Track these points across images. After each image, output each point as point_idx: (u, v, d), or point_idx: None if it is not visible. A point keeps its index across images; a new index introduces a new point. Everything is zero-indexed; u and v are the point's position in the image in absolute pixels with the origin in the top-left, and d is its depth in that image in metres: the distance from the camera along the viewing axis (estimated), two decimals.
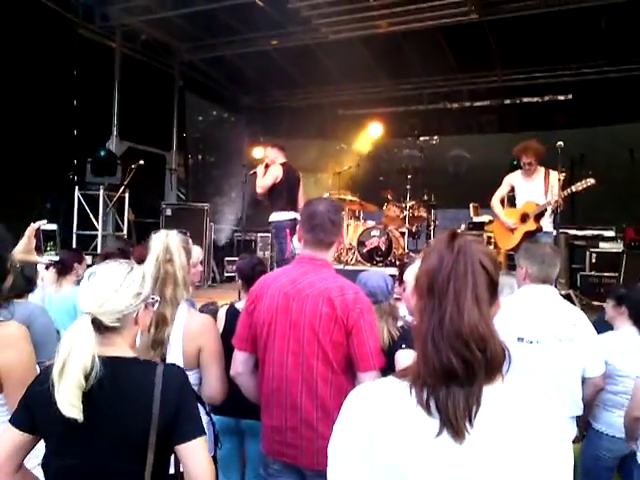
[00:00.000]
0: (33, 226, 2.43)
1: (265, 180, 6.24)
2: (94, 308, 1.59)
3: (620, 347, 3.16)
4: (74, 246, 7.55)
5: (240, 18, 8.54)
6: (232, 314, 3.00)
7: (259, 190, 6.30)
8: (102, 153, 7.97)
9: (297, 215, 6.22)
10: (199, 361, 2.33)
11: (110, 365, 1.55)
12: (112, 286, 1.62)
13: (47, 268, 4.03)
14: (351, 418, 1.16)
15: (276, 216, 6.34)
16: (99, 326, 1.59)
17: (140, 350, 1.97)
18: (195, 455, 1.58)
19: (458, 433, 1.02)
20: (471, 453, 1.03)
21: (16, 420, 1.60)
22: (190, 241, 2.52)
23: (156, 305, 1.84)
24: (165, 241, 2.35)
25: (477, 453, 1.03)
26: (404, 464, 1.06)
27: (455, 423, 1.02)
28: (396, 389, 1.11)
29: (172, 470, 1.70)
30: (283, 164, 6.34)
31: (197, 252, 2.53)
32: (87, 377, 1.50)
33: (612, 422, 3.16)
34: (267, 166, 6.35)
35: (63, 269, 4.18)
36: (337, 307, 2.18)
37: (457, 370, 1.03)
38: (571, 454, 1.09)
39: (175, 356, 2.25)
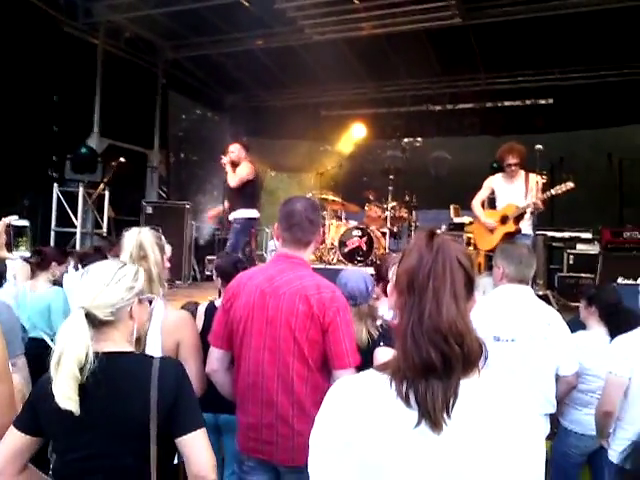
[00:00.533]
0: (3, 221, 2.41)
1: (246, 175, 6.32)
2: (87, 302, 1.61)
3: (589, 346, 3.23)
4: (52, 244, 7.47)
5: (225, 17, 8.51)
6: (211, 311, 3.00)
7: (235, 183, 6.32)
8: (83, 150, 7.89)
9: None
10: (177, 356, 2.33)
11: (107, 360, 1.56)
12: (104, 280, 1.65)
13: (26, 261, 3.99)
14: (331, 410, 1.19)
15: (244, 213, 6.44)
16: (94, 321, 1.61)
17: None
18: (196, 447, 1.59)
19: (436, 424, 1.05)
20: (448, 443, 1.07)
21: (20, 423, 1.61)
22: (163, 238, 2.50)
23: (153, 302, 1.86)
24: (138, 238, 2.34)
25: (454, 443, 1.07)
26: (383, 454, 1.09)
27: (433, 415, 1.05)
28: (376, 382, 1.14)
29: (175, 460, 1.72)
30: (252, 162, 6.50)
31: (167, 250, 2.51)
32: (82, 369, 1.51)
33: (580, 420, 3.24)
34: (233, 163, 6.41)
35: (41, 264, 4.13)
36: (314, 305, 2.20)
37: (436, 364, 1.07)
38: (542, 446, 1.13)
39: (154, 351, 2.24)
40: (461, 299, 1.12)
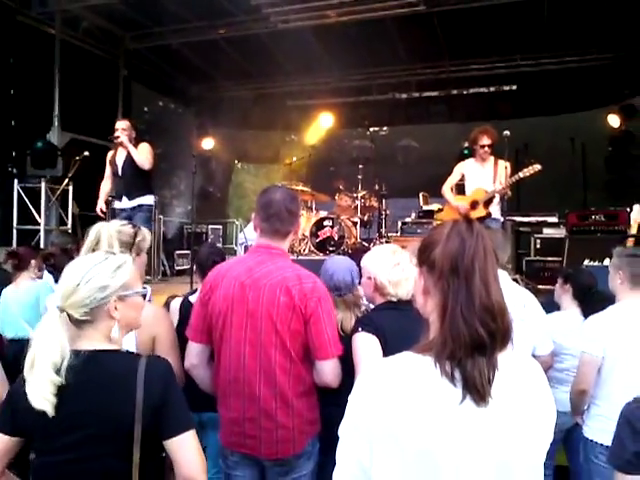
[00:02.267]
0: None
1: (151, 155, 5.93)
2: (61, 302, 1.56)
3: (564, 326, 3.32)
4: (14, 242, 7.25)
5: (187, 6, 8.34)
6: (187, 307, 2.94)
7: (149, 164, 5.90)
8: (39, 144, 7.63)
9: None
10: (152, 352, 2.27)
11: (90, 358, 1.51)
12: (75, 279, 1.58)
13: (5, 262, 3.88)
14: (369, 394, 1.19)
15: (149, 199, 6.06)
16: (72, 319, 1.57)
17: None
18: (185, 450, 1.54)
19: (483, 398, 1.12)
20: (492, 415, 1.14)
21: None
22: (141, 234, 2.40)
23: (147, 297, 1.79)
24: (97, 231, 2.25)
25: (497, 414, 1.15)
26: (430, 436, 1.12)
27: (482, 389, 1.12)
28: (416, 364, 1.18)
29: None
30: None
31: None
32: (58, 370, 1.47)
33: (556, 397, 3.28)
34: (121, 144, 5.86)
35: (20, 265, 4.01)
36: (295, 296, 2.18)
37: (485, 341, 1.14)
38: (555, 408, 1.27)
39: (127, 347, 2.18)
40: (498, 280, 1.21)
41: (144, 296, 1.76)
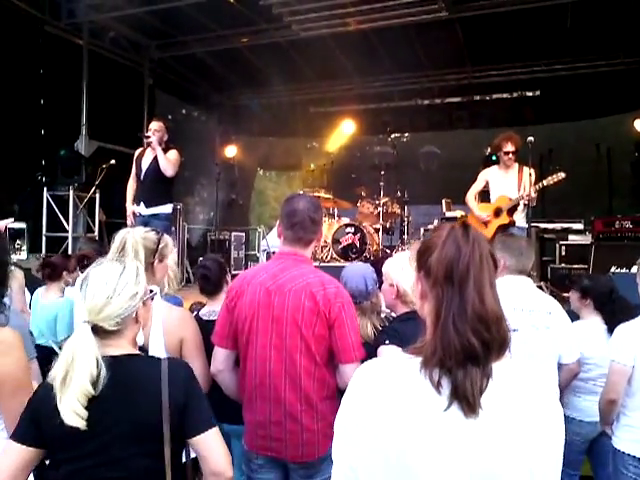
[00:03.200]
0: (0, 224, 2.35)
1: (178, 163, 5.75)
2: (92, 316, 1.57)
3: (586, 335, 3.26)
4: (43, 249, 7.38)
5: (211, 15, 8.46)
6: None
7: (173, 171, 5.69)
8: (62, 153, 7.73)
9: None
10: (181, 355, 2.31)
11: (115, 364, 1.53)
12: (106, 292, 1.59)
13: (38, 271, 3.93)
14: (357, 394, 1.20)
15: (165, 208, 5.81)
16: (100, 331, 1.57)
17: None
18: (211, 446, 1.59)
19: (473, 410, 1.08)
20: (481, 427, 1.09)
21: (21, 435, 1.55)
22: (164, 241, 2.44)
23: (155, 297, 1.82)
24: (123, 238, 2.30)
25: (487, 426, 1.10)
26: (411, 439, 1.10)
27: (472, 400, 1.08)
28: (404, 367, 1.16)
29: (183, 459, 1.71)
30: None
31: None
32: (95, 383, 1.49)
33: (580, 407, 3.27)
34: (150, 144, 5.65)
35: (52, 274, 4.09)
36: (319, 301, 2.20)
37: (478, 351, 1.10)
38: (563, 425, 1.17)
39: (157, 351, 2.22)
40: (495, 287, 1.18)
41: (152, 298, 1.79)
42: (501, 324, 1.14)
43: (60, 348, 3.57)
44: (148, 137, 5.70)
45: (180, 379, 1.61)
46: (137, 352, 1.68)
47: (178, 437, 1.58)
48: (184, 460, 1.69)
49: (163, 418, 1.53)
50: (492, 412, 1.10)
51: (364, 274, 2.87)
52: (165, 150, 5.71)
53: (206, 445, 1.58)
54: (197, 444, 1.59)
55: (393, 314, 2.82)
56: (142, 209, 5.77)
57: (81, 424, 1.46)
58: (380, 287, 2.78)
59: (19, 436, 1.55)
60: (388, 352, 2.30)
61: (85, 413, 1.47)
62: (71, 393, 1.46)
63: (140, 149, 6.00)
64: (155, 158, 5.71)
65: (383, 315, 2.84)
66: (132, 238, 2.31)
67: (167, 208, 5.87)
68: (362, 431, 1.15)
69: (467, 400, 1.08)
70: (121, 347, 1.62)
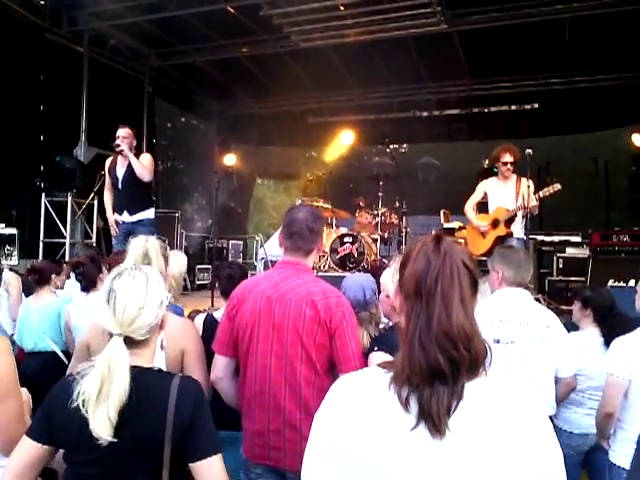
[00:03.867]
0: None
1: (152, 166, 5.68)
2: (124, 328, 1.56)
3: (580, 347, 3.25)
4: (41, 255, 7.36)
5: (211, 25, 8.52)
6: (211, 323, 2.95)
7: (150, 176, 5.62)
8: (61, 159, 7.71)
9: None
10: (182, 365, 2.30)
11: (133, 375, 1.53)
12: (137, 303, 1.59)
13: (28, 274, 3.92)
14: (328, 409, 1.18)
15: (148, 213, 5.74)
16: (129, 342, 1.57)
17: None
18: (211, 473, 1.53)
19: (439, 430, 1.03)
20: (450, 448, 1.04)
21: (34, 433, 1.57)
22: (168, 248, 2.49)
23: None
24: (145, 246, 2.32)
25: (456, 448, 1.04)
26: (378, 456, 1.07)
27: (437, 420, 1.03)
28: (376, 382, 1.13)
29: None
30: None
31: (180, 262, 2.47)
32: (130, 396, 1.49)
33: (570, 419, 3.27)
34: (122, 152, 5.56)
35: (40, 279, 4.07)
36: (320, 310, 2.21)
37: (444, 370, 1.05)
38: (557, 445, 1.10)
39: (158, 361, 2.21)
40: (468, 303, 1.12)
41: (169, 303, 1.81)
42: (472, 341, 1.08)
43: (63, 352, 3.55)
44: (118, 145, 5.58)
45: (189, 399, 1.57)
46: (151, 366, 1.66)
47: (179, 460, 1.53)
48: None
49: (165, 438, 1.50)
50: (462, 434, 1.05)
51: (363, 284, 2.88)
52: (136, 155, 5.62)
53: (206, 472, 1.53)
54: (198, 470, 1.53)
55: (390, 324, 2.84)
56: (125, 217, 5.68)
57: (110, 437, 1.46)
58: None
59: (32, 433, 1.57)
60: (377, 358, 2.31)
61: (114, 426, 1.46)
62: (106, 408, 1.45)
63: (110, 159, 5.89)
64: (129, 165, 5.60)
65: (382, 326, 2.83)
66: (152, 246, 2.34)
67: (150, 213, 5.80)
68: (332, 448, 1.13)
69: (432, 420, 1.03)
70: (144, 357, 1.63)
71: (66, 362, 3.59)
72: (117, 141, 5.61)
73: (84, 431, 1.46)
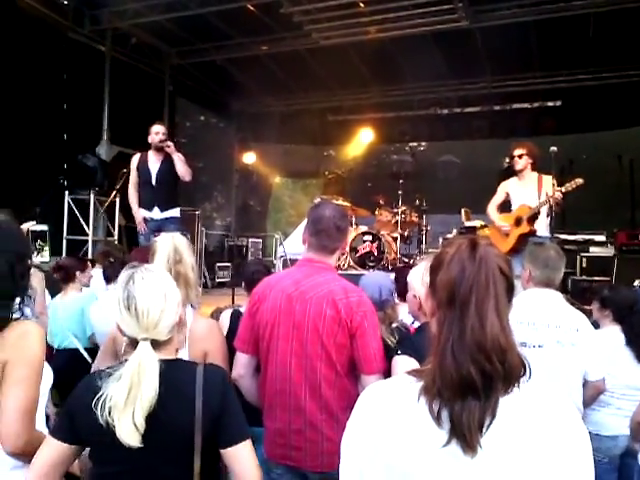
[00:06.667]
0: (23, 227, 2.37)
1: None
2: (150, 332, 1.56)
3: (604, 347, 3.16)
4: (64, 252, 7.45)
5: (231, 23, 8.56)
6: (237, 317, 2.95)
7: (189, 177, 5.70)
8: (79, 157, 7.78)
9: None
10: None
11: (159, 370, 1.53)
12: (159, 305, 1.58)
13: (54, 272, 3.98)
14: (361, 417, 1.16)
15: (176, 212, 5.81)
16: (154, 344, 1.57)
17: None
18: (243, 459, 1.55)
19: (471, 447, 1.00)
20: (481, 465, 1.01)
21: (58, 432, 1.56)
22: (191, 245, 2.50)
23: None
24: (173, 242, 2.33)
25: (487, 465, 1.01)
26: (411, 468, 1.05)
27: (469, 437, 1.00)
28: (408, 392, 1.10)
29: None
30: None
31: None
32: (159, 399, 1.49)
33: (598, 421, 3.16)
34: (168, 147, 5.56)
35: (65, 277, 4.13)
36: (341, 310, 2.17)
37: (476, 383, 1.01)
38: (591, 461, 1.06)
39: None
40: (504, 313, 1.07)
41: None
42: (506, 354, 1.04)
43: (86, 349, 3.58)
44: (164, 141, 5.58)
45: (216, 386, 1.57)
46: (176, 357, 1.66)
47: (210, 448, 1.54)
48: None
49: (195, 427, 1.50)
50: (494, 452, 1.01)
51: (380, 283, 2.83)
52: (169, 155, 5.63)
53: (238, 458, 1.55)
54: (229, 456, 1.55)
55: (407, 323, 2.80)
56: (155, 213, 5.70)
57: (138, 442, 1.45)
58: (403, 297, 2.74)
59: (56, 432, 1.56)
60: (402, 362, 2.28)
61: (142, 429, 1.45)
62: (134, 413, 1.44)
63: (138, 155, 5.87)
64: (164, 162, 5.63)
65: (394, 325, 2.78)
66: (181, 243, 2.35)
67: (177, 211, 5.85)
68: (367, 456, 1.11)
69: (464, 436, 1.00)
70: (169, 354, 1.62)
71: (89, 360, 3.62)
72: (159, 136, 5.60)
73: (110, 429, 1.45)
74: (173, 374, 1.56)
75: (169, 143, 5.60)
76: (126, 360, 1.53)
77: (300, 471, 2.23)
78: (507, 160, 8.20)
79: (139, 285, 1.59)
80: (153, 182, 5.69)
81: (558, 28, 7.77)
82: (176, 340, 1.67)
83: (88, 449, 1.59)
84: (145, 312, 1.56)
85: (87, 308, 3.92)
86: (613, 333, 3.26)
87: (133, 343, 1.57)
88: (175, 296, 1.64)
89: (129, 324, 1.56)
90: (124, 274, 1.65)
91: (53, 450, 1.54)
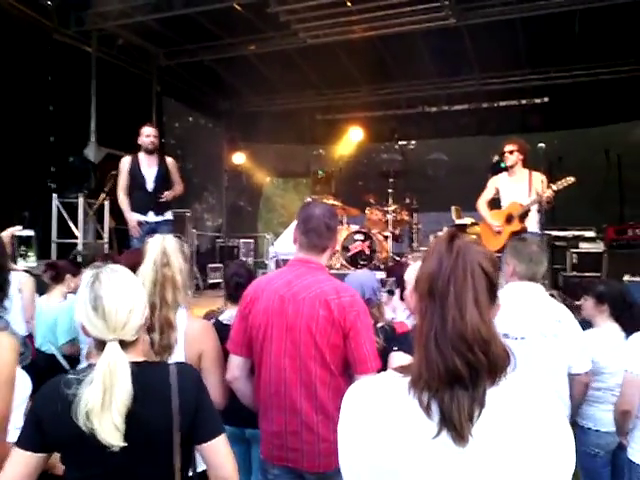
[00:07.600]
0: (8, 232, 2.34)
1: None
2: (118, 333, 1.54)
3: (603, 344, 3.20)
4: (53, 255, 7.38)
5: (218, 23, 8.51)
6: (217, 328, 2.90)
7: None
8: (71, 159, 7.75)
9: None
10: (199, 367, 2.28)
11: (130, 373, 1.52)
12: (127, 306, 1.56)
13: (32, 274, 3.94)
14: (349, 413, 1.17)
15: (170, 214, 5.96)
16: (122, 344, 1.55)
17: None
18: (220, 452, 1.58)
19: (461, 437, 1.01)
20: (472, 455, 1.02)
21: (24, 440, 1.51)
22: (186, 245, 2.48)
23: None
24: (162, 244, 2.31)
25: (479, 455, 1.03)
26: (401, 462, 1.06)
27: (459, 427, 1.01)
28: (395, 387, 1.11)
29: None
30: None
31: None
32: (134, 399, 1.48)
33: (597, 417, 3.21)
34: (151, 151, 5.71)
35: (56, 277, 4.09)
36: (334, 310, 2.17)
37: (462, 373, 1.03)
38: (573, 453, 1.08)
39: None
40: (484, 305, 1.08)
41: None
42: (489, 345, 1.05)
43: (63, 355, 3.55)
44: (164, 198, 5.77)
45: (191, 384, 1.60)
46: (144, 359, 1.64)
47: (187, 445, 1.57)
48: (191, 473, 1.67)
49: (174, 426, 1.51)
50: (485, 442, 1.03)
51: (363, 283, 2.83)
52: (160, 157, 5.77)
53: (215, 452, 1.58)
54: (207, 450, 1.58)
55: (393, 323, 2.82)
56: (150, 217, 5.78)
57: (120, 442, 1.44)
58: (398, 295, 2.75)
59: (23, 442, 1.51)
60: (397, 358, 2.29)
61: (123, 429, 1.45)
62: (113, 414, 1.43)
63: (129, 158, 5.86)
64: (159, 167, 5.75)
65: (380, 325, 2.78)
66: (171, 245, 2.33)
67: (170, 214, 5.99)
68: (358, 452, 1.13)
69: (454, 427, 1.01)
70: (137, 354, 1.61)
71: (67, 367, 3.60)
72: (149, 139, 5.69)
73: (83, 433, 1.43)
74: (145, 374, 1.55)
75: (167, 193, 5.73)
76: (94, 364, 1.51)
77: (297, 472, 2.24)
78: (496, 157, 8.27)
79: (106, 285, 1.57)
80: (148, 187, 5.74)
81: (544, 25, 7.79)
82: (142, 341, 1.66)
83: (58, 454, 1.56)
84: (113, 312, 1.54)
85: (60, 319, 3.88)
86: (610, 330, 3.27)
87: (100, 345, 1.54)
88: (142, 296, 1.64)
89: (96, 325, 1.54)
90: (89, 274, 1.63)
91: (22, 461, 1.49)
